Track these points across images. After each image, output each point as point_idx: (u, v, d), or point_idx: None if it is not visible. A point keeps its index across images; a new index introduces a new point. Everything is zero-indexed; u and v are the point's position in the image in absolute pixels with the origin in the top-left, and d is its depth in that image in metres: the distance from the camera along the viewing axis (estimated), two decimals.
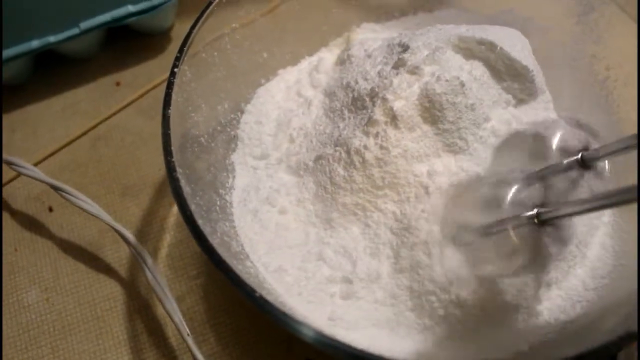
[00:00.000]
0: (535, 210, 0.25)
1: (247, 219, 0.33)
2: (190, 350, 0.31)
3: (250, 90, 0.39)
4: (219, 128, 0.36)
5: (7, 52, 0.43)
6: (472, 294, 0.29)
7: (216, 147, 0.35)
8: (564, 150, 0.28)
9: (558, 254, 0.27)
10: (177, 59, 0.30)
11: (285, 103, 0.39)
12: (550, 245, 0.26)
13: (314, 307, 0.30)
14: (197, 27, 0.32)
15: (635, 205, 0.28)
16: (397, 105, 0.31)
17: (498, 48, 0.33)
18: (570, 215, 0.25)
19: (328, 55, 0.41)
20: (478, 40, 0.33)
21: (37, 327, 0.36)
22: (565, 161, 0.28)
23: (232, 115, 0.37)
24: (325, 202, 0.33)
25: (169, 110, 0.29)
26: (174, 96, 0.29)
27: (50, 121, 0.46)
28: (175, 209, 0.40)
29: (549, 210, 0.25)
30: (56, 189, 0.36)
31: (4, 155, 0.39)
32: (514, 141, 0.32)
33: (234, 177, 0.36)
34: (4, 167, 0.42)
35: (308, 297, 0.30)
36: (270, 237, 0.33)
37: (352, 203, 0.32)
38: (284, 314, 0.23)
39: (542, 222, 0.25)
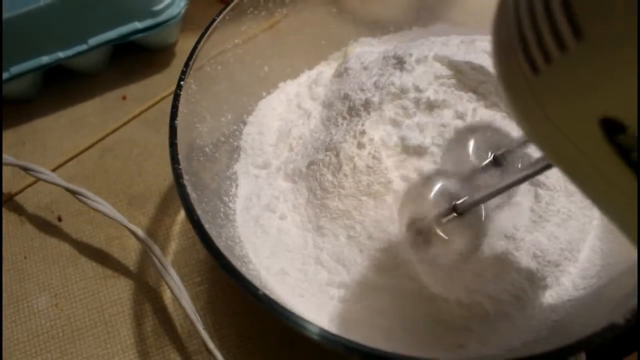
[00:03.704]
0: (452, 203, 0.31)
1: (250, 224, 0.34)
2: (205, 344, 0.32)
3: (252, 103, 0.40)
4: (222, 139, 0.37)
5: (19, 68, 0.45)
6: (464, 299, 0.30)
7: (220, 156, 0.36)
8: (479, 153, 0.34)
9: (481, 238, 0.32)
10: (183, 72, 0.32)
11: (286, 115, 0.40)
12: (472, 232, 0.32)
13: (315, 309, 0.31)
14: (202, 42, 0.33)
15: None
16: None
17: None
18: (481, 201, 0.30)
19: (327, 69, 0.42)
20: (466, 63, 0.35)
21: (46, 332, 0.37)
22: (482, 164, 0.33)
23: (235, 127, 0.39)
24: (315, 208, 0.34)
25: (176, 121, 0.30)
26: (180, 107, 0.31)
27: (58, 134, 0.47)
28: (179, 217, 0.42)
29: (463, 201, 0.30)
30: (73, 192, 0.37)
31: (23, 162, 0.40)
32: (451, 144, 0.35)
33: (237, 185, 0.37)
34: (15, 176, 0.44)
35: (310, 299, 0.32)
36: (271, 241, 0.34)
37: (340, 209, 0.33)
38: (290, 312, 0.24)
39: (460, 213, 0.31)
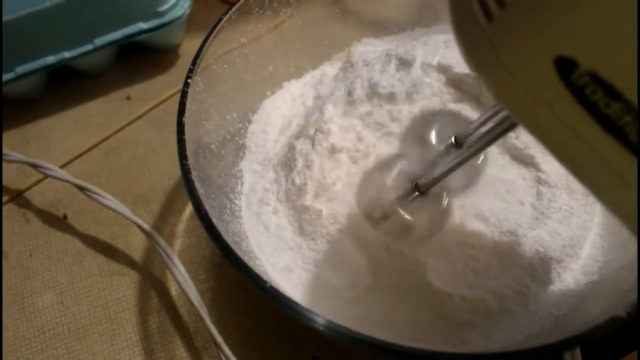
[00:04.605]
0: (413, 183, 0.32)
1: (253, 220, 0.35)
2: (212, 336, 0.32)
3: (257, 101, 0.41)
4: (228, 137, 0.37)
5: (24, 68, 0.45)
6: (468, 295, 0.30)
7: (226, 154, 0.36)
8: (440, 136, 0.35)
9: (446, 212, 0.33)
10: (191, 70, 0.32)
11: (290, 112, 0.40)
12: (434, 208, 0.33)
13: (320, 307, 0.32)
14: (209, 41, 0.33)
15: None
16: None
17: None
18: (443, 176, 0.29)
19: (330, 69, 0.43)
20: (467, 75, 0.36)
21: (52, 329, 0.37)
22: (443, 146, 0.34)
23: (240, 125, 0.39)
24: (292, 202, 0.35)
25: (184, 118, 0.30)
26: (187, 104, 0.31)
27: (63, 134, 0.48)
28: (184, 216, 0.42)
29: (424, 179, 0.31)
30: (81, 188, 0.38)
31: (31, 159, 0.40)
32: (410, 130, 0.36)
33: (242, 183, 0.37)
34: (20, 175, 0.44)
35: (313, 297, 0.32)
36: (273, 238, 0.34)
37: (314, 208, 0.34)
38: (297, 304, 0.25)
39: (422, 192, 0.31)
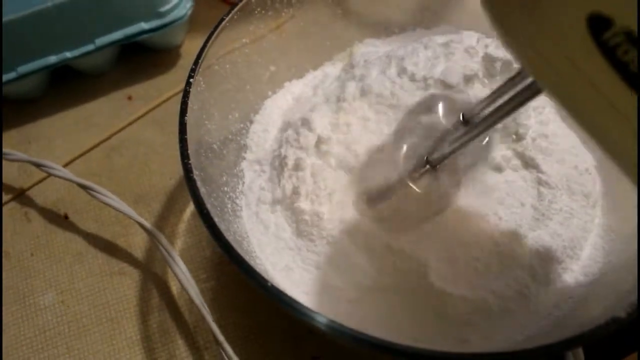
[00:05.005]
0: (425, 157, 0.32)
1: (253, 219, 0.35)
2: (214, 335, 0.32)
3: (258, 102, 0.41)
4: (229, 136, 0.38)
5: (26, 67, 0.45)
6: (469, 295, 0.31)
7: (227, 154, 0.37)
8: (449, 114, 0.34)
9: (456, 187, 0.33)
10: (193, 70, 0.32)
11: (290, 111, 0.41)
12: (447, 182, 0.33)
13: (321, 307, 0.32)
14: (211, 41, 0.34)
15: (623, 205, 0.30)
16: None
17: None
18: (454, 150, 0.30)
19: (332, 70, 0.43)
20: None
21: (53, 328, 0.37)
22: (452, 124, 0.34)
23: (242, 125, 0.39)
24: (286, 204, 0.35)
25: (186, 117, 0.31)
26: (189, 104, 0.31)
27: (64, 133, 0.48)
28: (185, 216, 0.42)
29: (436, 153, 0.31)
30: (84, 187, 0.38)
31: (34, 158, 0.41)
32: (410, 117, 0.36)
33: (243, 183, 0.37)
34: (21, 174, 0.45)
35: (314, 297, 0.32)
36: (272, 237, 0.34)
37: (307, 210, 0.34)
38: (299, 303, 0.25)
39: (434, 166, 0.32)
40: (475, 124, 0.29)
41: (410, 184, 0.33)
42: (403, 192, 0.33)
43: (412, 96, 0.36)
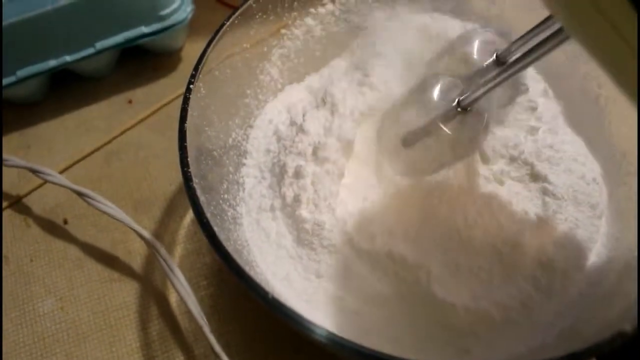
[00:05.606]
0: (456, 100, 0.31)
1: (254, 227, 0.35)
2: (212, 347, 0.32)
3: (259, 107, 0.40)
4: (230, 142, 0.37)
5: (26, 71, 0.45)
6: (471, 305, 0.30)
7: (228, 160, 0.36)
8: (483, 55, 0.34)
9: (484, 131, 0.32)
10: (193, 76, 0.32)
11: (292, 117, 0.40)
12: (475, 125, 0.32)
13: (321, 315, 0.31)
14: (211, 46, 0.33)
15: (628, 213, 0.30)
16: None
17: None
18: (486, 92, 0.29)
19: (332, 74, 0.42)
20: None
21: (52, 335, 0.37)
22: (485, 63, 0.33)
23: (242, 131, 0.39)
24: (287, 211, 0.34)
25: (186, 124, 0.30)
26: (189, 111, 0.31)
27: (64, 137, 0.47)
28: (185, 222, 0.42)
29: (466, 95, 0.30)
30: (80, 194, 0.38)
31: (31, 164, 0.40)
32: (447, 49, 0.36)
33: (244, 189, 0.37)
34: (21, 179, 0.44)
35: (316, 306, 0.32)
36: (273, 246, 0.34)
37: (308, 218, 0.33)
38: (299, 315, 0.24)
39: (464, 109, 0.31)
40: (509, 64, 0.29)
41: (442, 126, 0.31)
42: (435, 134, 0.31)
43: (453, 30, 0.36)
